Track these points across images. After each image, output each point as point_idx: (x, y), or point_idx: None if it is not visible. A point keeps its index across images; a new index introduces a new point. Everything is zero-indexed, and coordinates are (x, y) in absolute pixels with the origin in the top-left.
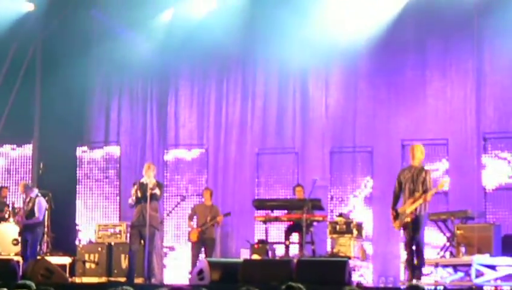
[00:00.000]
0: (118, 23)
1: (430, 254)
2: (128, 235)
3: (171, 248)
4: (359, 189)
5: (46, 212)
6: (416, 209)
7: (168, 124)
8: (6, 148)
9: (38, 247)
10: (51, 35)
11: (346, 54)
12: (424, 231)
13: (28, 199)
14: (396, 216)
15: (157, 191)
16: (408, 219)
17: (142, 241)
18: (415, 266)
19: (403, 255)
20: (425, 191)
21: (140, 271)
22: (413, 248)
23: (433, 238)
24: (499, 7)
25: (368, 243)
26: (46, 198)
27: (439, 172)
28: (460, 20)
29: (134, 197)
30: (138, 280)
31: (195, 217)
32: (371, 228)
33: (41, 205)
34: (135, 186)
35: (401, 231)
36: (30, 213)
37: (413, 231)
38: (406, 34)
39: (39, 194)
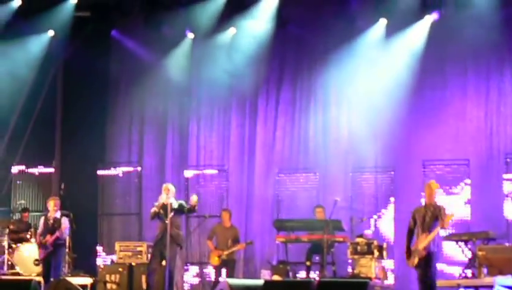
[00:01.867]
0: (138, 44)
1: (451, 275)
2: (148, 255)
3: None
4: (381, 210)
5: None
6: (428, 245)
7: (189, 145)
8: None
9: (62, 267)
10: (72, 58)
11: (366, 74)
12: (437, 267)
13: (52, 217)
14: (410, 255)
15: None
16: (421, 256)
17: (164, 262)
18: None
19: None
20: (441, 222)
21: None
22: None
23: (455, 258)
24: None
25: (389, 263)
26: (68, 219)
27: (458, 191)
28: (479, 40)
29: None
30: None
31: (214, 237)
32: (393, 249)
33: (66, 225)
34: (156, 206)
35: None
36: (53, 232)
37: (425, 267)
38: (427, 54)
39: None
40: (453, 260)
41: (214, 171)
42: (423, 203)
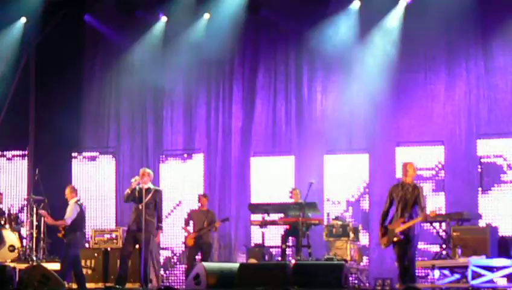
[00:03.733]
0: (112, 29)
1: (426, 255)
2: (123, 241)
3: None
4: (355, 192)
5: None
6: (406, 230)
7: (164, 130)
8: (2, 154)
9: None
10: (45, 43)
11: (340, 57)
12: (415, 249)
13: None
14: (385, 233)
15: (157, 199)
16: (396, 239)
17: (137, 246)
18: (406, 280)
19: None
20: (422, 210)
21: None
22: (405, 264)
23: (429, 239)
24: (492, 8)
25: (364, 246)
26: (42, 204)
27: (433, 172)
28: (456, 23)
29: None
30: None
31: (191, 222)
32: (367, 231)
33: (69, 212)
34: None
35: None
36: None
37: (405, 249)
38: (401, 37)
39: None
40: (428, 240)
41: (189, 155)
42: (400, 182)
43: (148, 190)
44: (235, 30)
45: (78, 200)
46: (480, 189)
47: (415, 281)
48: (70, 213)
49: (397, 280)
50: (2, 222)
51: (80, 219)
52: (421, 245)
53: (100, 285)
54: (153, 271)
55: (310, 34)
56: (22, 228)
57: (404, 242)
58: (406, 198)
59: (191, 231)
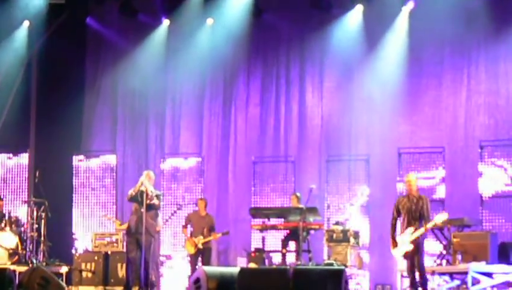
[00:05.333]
0: (114, 32)
1: (427, 261)
2: (124, 243)
3: (168, 257)
4: (356, 197)
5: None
6: (415, 239)
7: (166, 134)
8: (3, 157)
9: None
10: (47, 45)
11: (342, 62)
12: (424, 255)
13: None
14: (396, 245)
15: (155, 201)
16: (411, 248)
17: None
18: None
19: (400, 264)
20: (426, 220)
21: (137, 279)
22: (416, 272)
23: (430, 246)
24: (494, 16)
25: (364, 251)
26: (43, 207)
27: (436, 180)
28: (455, 28)
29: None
30: (135, 289)
31: (189, 225)
32: (368, 236)
33: None
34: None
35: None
36: None
37: (415, 257)
38: (403, 43)
39: None
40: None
41: (189, 159)
42: (405, 194)
43: (150, 193)
44: (238, 34)
45: None
46: (480, 195)
47: (427, 285)
48: None
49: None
50: (3, 225)
51: None
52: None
53: (100, 288)
54: (153, 274)
55: (312, 38)
56: (22, 231)
57: (415, 251)
58: (412, 209)
59: (189, 234)
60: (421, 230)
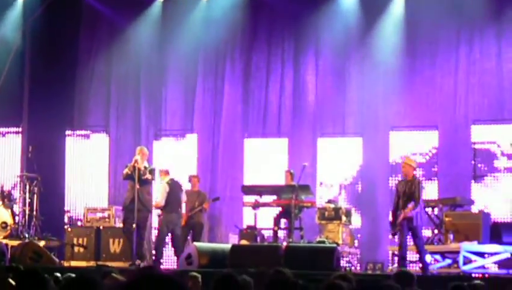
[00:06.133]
0: (109, 8)
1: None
2: (116, 219)
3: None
4: (348, 175)
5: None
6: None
7: (159, 110)
8: None
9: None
10: (41, 20)
11: (337, 40)
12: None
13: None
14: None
15: (148, 175)
16: (397, 229)
17: (134, 225)
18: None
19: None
20: (415, 201)
21: (128, 255)
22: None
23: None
24: None
25: (356, 229)
26: (35, 182)
27: (428, 158)
28: (449, 9)
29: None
30: (125, 264)
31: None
32: (359, 215)
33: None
34: (128, 168)
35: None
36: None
37: (413, 237)
38: (397, 22)
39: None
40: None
41: (182, 136)
42: (402, 178)
43: (144, 168)
44: (233, 12)
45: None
46: (473, 175)
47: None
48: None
49: (389, 264)
50: None
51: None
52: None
53: (92, 263)
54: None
55: (308, 16)
56: (14, 205)
57: (411, 231)
58: (406, 192)
59: (183, 211)
60: (404, 212)
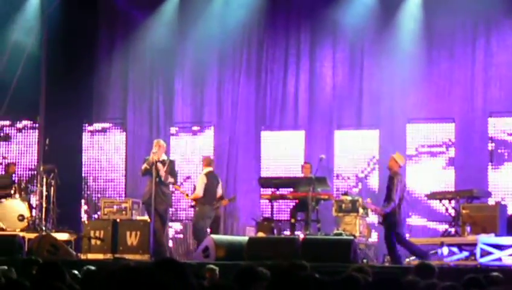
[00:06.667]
0: (126, 1)
1: (435, 232)
2: (133, 211)
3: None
4: (365, 168)
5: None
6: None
7: (175, 102)
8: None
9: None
10: (59, 13)
11: (354, 32)
12: (392, 234)
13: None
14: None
15: (171, 180)
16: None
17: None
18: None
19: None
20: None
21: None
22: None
23: (438, 217)
24: None
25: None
26: (52, 174)
27: (444, 150)
28: (467, 1)
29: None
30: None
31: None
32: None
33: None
34: (147, 162)
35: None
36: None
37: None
38: (415, 15)
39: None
40: (437, 217)
41: (198, 128)
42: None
43: (163, 162)
44: (250, 5)
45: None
46: (490, 167)
47: (398, 262)
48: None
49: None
50: (12, 192)
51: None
52: (429, 223)
53: (109, 256)
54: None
55: (324, 9)
56: (31, 198)
57: (384, 227)
58: (387, 188)
59: None
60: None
